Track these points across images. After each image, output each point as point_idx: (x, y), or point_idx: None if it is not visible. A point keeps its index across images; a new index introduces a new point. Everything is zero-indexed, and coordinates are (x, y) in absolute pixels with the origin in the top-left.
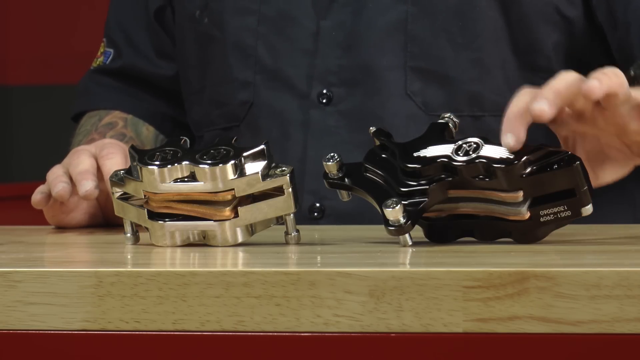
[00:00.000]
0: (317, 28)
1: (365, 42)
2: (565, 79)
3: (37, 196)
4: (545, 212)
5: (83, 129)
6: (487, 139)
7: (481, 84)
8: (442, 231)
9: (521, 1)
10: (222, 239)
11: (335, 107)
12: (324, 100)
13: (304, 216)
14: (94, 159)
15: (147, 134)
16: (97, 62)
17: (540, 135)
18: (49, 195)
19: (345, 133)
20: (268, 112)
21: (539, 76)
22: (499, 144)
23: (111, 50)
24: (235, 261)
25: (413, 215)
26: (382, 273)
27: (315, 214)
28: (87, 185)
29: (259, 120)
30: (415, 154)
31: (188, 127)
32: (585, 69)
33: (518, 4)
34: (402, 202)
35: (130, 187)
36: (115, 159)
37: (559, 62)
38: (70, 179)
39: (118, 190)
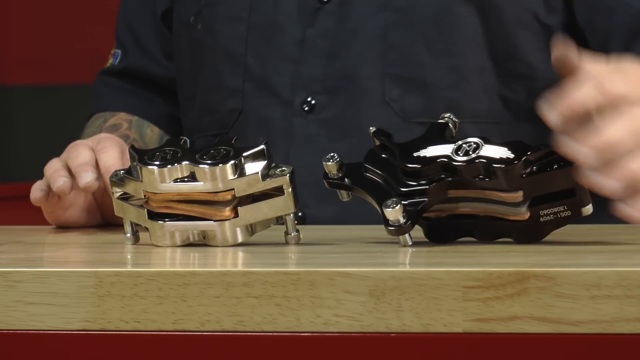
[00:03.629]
0: (303, 36)
1: (348, 51)
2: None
3: (38, 194)
4: (545, 212)
5: (88, 131)
6: (487, 139)
7: (459, 90)
8: (442, 231)
9: (500, 8)
10: (222, 239)
11: (317, 115)
12: (307, 109)
13: (305, 225)
14: (92, 152)
15: (152, 135)
16: (108, 64)
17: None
18: (48, 192)
19: (325, 141)
20: (255, 121)
21: (519, 83)
22: (501, 144)
23: (119, 51)
24: (235, 261)
25: (413, 215)
26: (382, 273)
27: (295, 222)
28: (87, 177)
29: (247, 129)
30: (415, 154)
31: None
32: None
33: (497, 11)
34: (402, 202)
35: (130, 187)
36: (111, 152)
37: (540, 68)
38: (69, 172)
39: (118, 190)
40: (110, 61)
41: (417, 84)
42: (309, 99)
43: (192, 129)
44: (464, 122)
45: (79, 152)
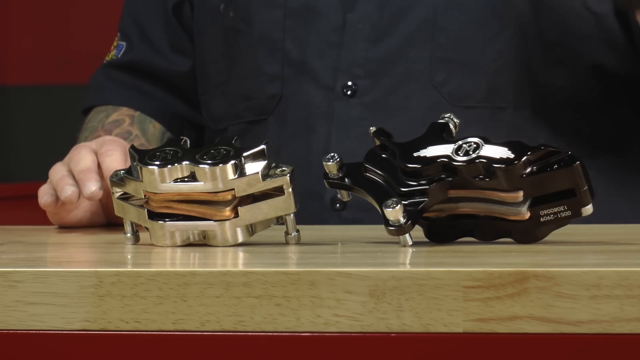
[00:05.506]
0: (343, 21)
1: (391, 35)
2: None
3: (48, 199)
4: (545, 212)
5: (89, 125)
6: (487, 139)
7: (506, 75)
8: (442, 231)
9: None
10: (222, 239)
11: (360, 99)
12: (349, 92)
13: (327, 208)
14: (94, 156)
15: (154, 131)
16: (110, 56)
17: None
18: (56, 197)
19: (369, 125)
20: (295, 105)
21: (563, 71)
22: (501, 144)
23: (123, 44)
24: (235, 261)
25: (413, 215)
26: (382, 273)
27: (338, 205)
28: (92, 186)
29: (287, 113)
30: (415, 154)
31: (196, 126)
32: (612, 62)
33: None
34: (402, 202)
35: (131, 187)
36: (114, 155)
37: (585, 56)
38: (73, 175)
39: (118, 190)
40: (114, 53)
41: (464, 67)
42: (349, 83)
43: (223, 116)
44: (509, 108)
45: (82, 156)
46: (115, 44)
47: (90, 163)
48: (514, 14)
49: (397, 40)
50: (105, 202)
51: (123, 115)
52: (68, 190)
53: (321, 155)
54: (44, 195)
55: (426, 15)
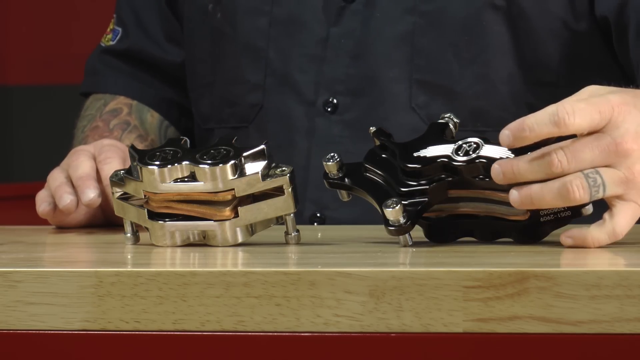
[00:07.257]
0: (327, 34)
1: (372, 52)
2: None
3: (45, 207)
4: (545, 212)
5: (88, 113)
6: (487, 139)
7: (486, 99)
8: (442, 231)
9: (528, 17)
10: (222, 239)
11: (340, 116)
12: (329, 109)
13: (305, 225)
14: (93, 161)
15: (152, 121)
16: (106, 40)
17: None
18: (55, 205)
19: (348, 143)
20: (276, 117)
21: (545, 91)
22: (499, 144)
23: (119, 29)
24: (235, 261)
25: (413, 215)
26: (382, 273)
27: (316, 223)
28: (90, 193)
29: (268, 124)
30: (415, 154)
31: (194, 115)
32: (592, 81)
33: (525, 20)
34: (402, 202)
35: (131, 187)
36: (113, 163)
37: (566, 76)
38: (71, 182)
39: (118, 190)
40: (110, 36)
41: (444, 91)
42: (331, 99)
43: (210, 117)
44: (491, 131)
45: (80, 162)
46: (111, 27)
47: (89, 169)
48: (489, 38)
49: (376, 58)
50: (104, 206)
51: (121, 104)
52: (66, 199)
53: (302, 171)
54: (42, 203)
55: (403, 35)
